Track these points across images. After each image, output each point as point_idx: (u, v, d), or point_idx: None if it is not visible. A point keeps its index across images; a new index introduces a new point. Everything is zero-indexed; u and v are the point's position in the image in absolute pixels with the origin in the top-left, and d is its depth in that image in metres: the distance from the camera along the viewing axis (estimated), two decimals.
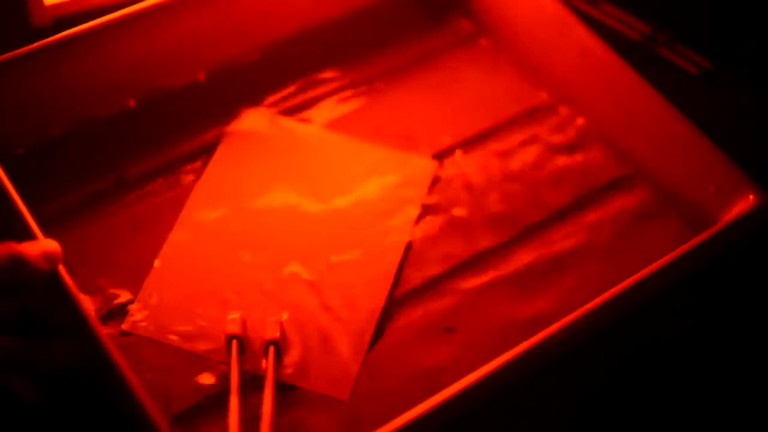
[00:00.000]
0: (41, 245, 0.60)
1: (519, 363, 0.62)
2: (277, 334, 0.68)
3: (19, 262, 0.59)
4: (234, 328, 0.68)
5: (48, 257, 0.60)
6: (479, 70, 0.90)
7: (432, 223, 0.78)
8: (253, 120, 0.83)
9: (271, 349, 0.67)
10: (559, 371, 0.69)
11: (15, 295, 0.61)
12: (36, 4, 0.84)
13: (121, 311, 0.70)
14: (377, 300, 0.72)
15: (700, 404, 0.74)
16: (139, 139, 0.80)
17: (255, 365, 0.68)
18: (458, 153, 0.82)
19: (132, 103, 0.82)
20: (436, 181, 0.80)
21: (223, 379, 0.66)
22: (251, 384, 0.67)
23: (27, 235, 0.63)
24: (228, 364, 0.67)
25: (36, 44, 0.75)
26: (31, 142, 0.78)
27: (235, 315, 0.69)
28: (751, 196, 0.73)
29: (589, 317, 0.64)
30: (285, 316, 0.71)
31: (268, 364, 0.66)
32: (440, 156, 0.82)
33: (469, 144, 0.83)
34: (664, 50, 0.97)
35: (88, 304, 0.61)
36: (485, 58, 0.91)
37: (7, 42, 0.83)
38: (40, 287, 0.61)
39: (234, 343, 0.67)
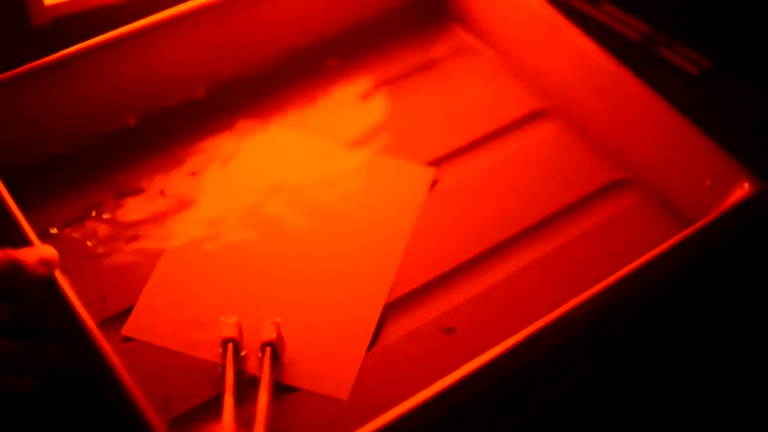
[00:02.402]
0: (38, 251, 0.61)
1: (512, 355, 0.62)
2: (274, 336, 0.68)
3: (16, 268, 0.59)
4: (230, 332, 0.68)
5: (45, 262, 0.60)
6: (475, 77, 0.90)
7: (430, 227, 0.78)
8: (252, 133, 0.83)
9: (268, 350, 0.67)
10: (555, 367, 0.69)
11: (12, 299, 0.61)
12: (36, 3, 0.84)
13: (121, 317, 0.70)
14: (377, 302, 0.73)
15: (702, 398, 0.75)
16: (140, 155, 0.81)
17: (254, 368, 0.68)
18: (455, 159, 0.83)
19: (132, 120, 0.82)
20: (433, 186, 0.81)
21: (222, 382, 0.66)
22: (250, 386, 0.67)
23: (24, 243, 0.64)
24: (224, 366, 0.67)
25: (38, 62, 0.76)
26: (32, 159, 0.79)
27: (230, 318, 0.69)
28: (746, 184, 0.74)
29: (583, 308, 0.65)
30: (280, 317, 0.71)
31: (264, 365, 0.66)
32: (437, 162, 0.82)
33: (466, 150, 0.84)
34: (664, 50, 0.97)
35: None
36: (481, 65, 0.91)
37: (6, 42, 0.83)
38: (37, 292, 0.61)
39: (230, 346, 0.67)
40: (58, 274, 0.61)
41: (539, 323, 0.64)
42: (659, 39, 0.98)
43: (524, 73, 0.89)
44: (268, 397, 0.64)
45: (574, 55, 0.84)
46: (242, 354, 0.68)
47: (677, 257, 0.69)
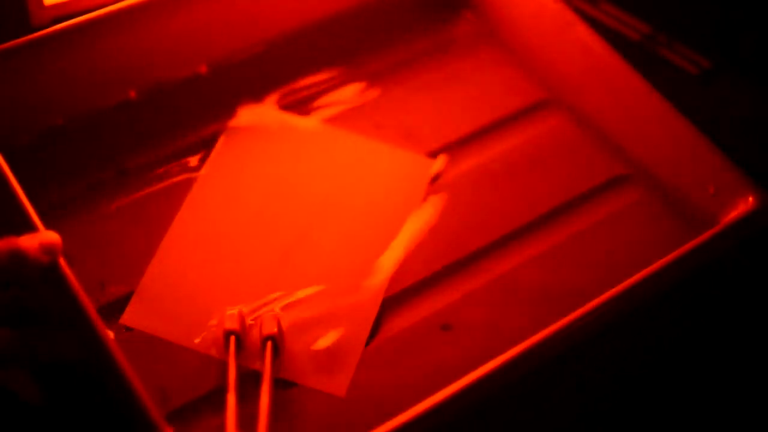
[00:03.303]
0: (40, 237, 0.60)
1: (516, 364, 0.62)
2: (275, 330, 0.68)
3: (18, 257, 0.59)
4: (232, 324, 0.68)
5: (47, 249, 0.60)
6: (479, 68, 0.90)
7: (430, 219, 0.77)
8: (254, 114, 0.83)
9: (269, 344, 0.67)
10: (560, 373, 0.69)
11: (15, 288, 0.61)
12: (36, 4, 0.84)
13: (120, 305, 0.70)
14: (375, 297, 0.72)
15: (701, 406, 0.74)
16: (140, 131, 0.80)
17: (253, 361, 0.68)
18: (457, 150, 0.82)
19: (133, 94, 0.82)
20: (435, 178, 0.80)
21: (221, 375, 0.66)
22: (249, 380, 0.66)
23: (27, 226, 0.63)
24: (226, 360, 0.66)
25: (37, 34, 0.75)
26: (32, 133, 0.78)
27: (233, 311, 0.69)
28: (750, 198, 0.73)
29: (587, 318, 0.65)
30: (280, 310, 0.70)
31: (265, 360, 0.66)
32: (439, 153, 0.82)
33: (469, 141, 0.83)
34: (664, 50, 0.97)
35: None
36: (485, 56, 0.91)
37: (7, 42, 0.83)
38: (39, 280, 0.61)
39: (232, 339, 0.67)
40: (62, 261, 0.61)
41: (546, 331, 0.64)
42: (659, 39, 0.98)
43: (531, 64, 0.89)
44: (270, 394, 0.64)
45: (582, 49, 0.84)
46: (243, 347, 0.68)
47: (679, 269, 0.68)
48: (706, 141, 0.77)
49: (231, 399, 0.63)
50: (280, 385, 0.67)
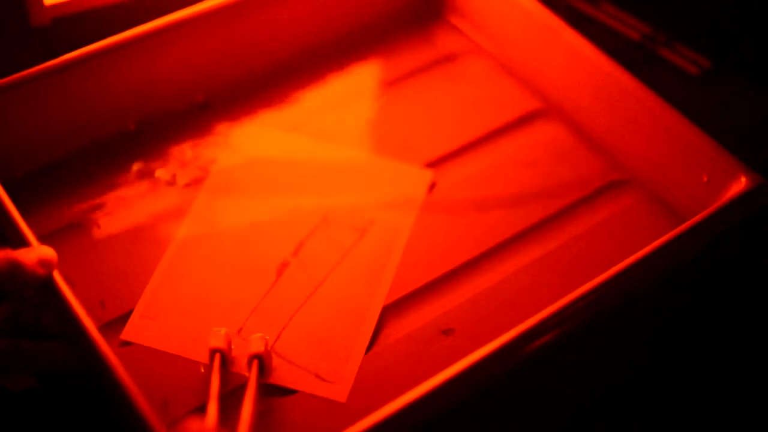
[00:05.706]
0: (37, 251, 0.61)
1: (508, 350, 0.63)
2: (262, 349, 0.68)
3: (15, 268, 0.59)
4: (218, 342, 0.68)
5: (43, 262, 0.61)
6: (473, 80, 0.90)
7: (428, 229, 0.78)
8: (250, 137, 0.84)
9: (255, 362, 0.67)
10: (559, 358, 0.69)
11: (9, 299, 0.61)
12: (35, 3, 0.84)
13: (121, 322, 0.70)
14: (375, 303, 0.73)
15: (701, 395, 0.75)
16: (139, 161, 0.81)
17: (241, 377, 0.68)
18: (453, 161, 0.83)
19: (132, 126, 0.83)
20: (431, 188, 0.81)
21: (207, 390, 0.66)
22: (237, 398, 0.66)
23: (23, 245, 0.64)
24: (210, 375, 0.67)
25: (37, 68, 0.76)
26: (33, 164, 0.79)
27: (219, 329, 0.69)
28: (743, 179, 0.74)
29: (583, 300, 0.65)
30: (279, 320, 0.71)
31: (250, 377, 0.66)
32: (436, 164, 0.83)
33: (464, 152, 0.84)
34: (664, 50, 0.97)
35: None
36: (478, 67, 0.91)
37: (7, 42, 0.83)
38: (36, 292, 0.61)
39: (217, 356, 0.67)
40: (57, 275, 0.61)
41: (532, 320, 0.64)
42: (659, 39, 0.98)
43: (521, 74, 0.90)
44: (253, 408, 0.63)
45: (571, 55, 0.84)
46: (230, 361, 0.69)
47: (672, 252, 0.69)
48: (695, 130, 0.77)
49: (212, 407, 0.63)
50: (281, 391, 0.67)
